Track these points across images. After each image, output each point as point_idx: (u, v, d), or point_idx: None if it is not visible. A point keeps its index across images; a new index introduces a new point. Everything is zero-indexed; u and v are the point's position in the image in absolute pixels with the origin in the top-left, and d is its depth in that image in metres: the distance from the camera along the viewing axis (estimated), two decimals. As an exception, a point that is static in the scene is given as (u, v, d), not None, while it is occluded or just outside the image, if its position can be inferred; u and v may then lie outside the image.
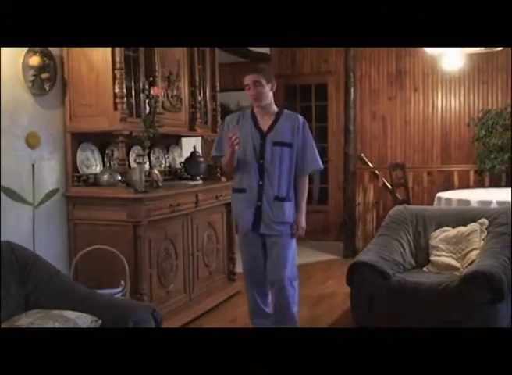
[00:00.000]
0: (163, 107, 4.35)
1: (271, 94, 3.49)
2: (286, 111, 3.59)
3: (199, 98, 4.94)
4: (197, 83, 4.89)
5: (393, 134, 7.70)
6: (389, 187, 6.81)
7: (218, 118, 5.19)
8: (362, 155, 7.57)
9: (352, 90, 6.78)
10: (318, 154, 3.55)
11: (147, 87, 4.06)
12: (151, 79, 4.14)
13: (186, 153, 5.10)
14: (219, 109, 5.25)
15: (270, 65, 7.95)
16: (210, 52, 5.15)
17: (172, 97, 4.54)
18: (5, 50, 3.47)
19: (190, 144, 5.17)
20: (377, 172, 7.22)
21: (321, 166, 3.58)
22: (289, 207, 3.50)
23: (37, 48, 3.67)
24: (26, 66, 3.62)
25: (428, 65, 7.34)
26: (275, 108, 3.56)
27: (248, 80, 3.43)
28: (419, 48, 6.96)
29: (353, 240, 6.88)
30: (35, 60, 3.65)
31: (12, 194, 3.39)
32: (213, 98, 5.21)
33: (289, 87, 8.11)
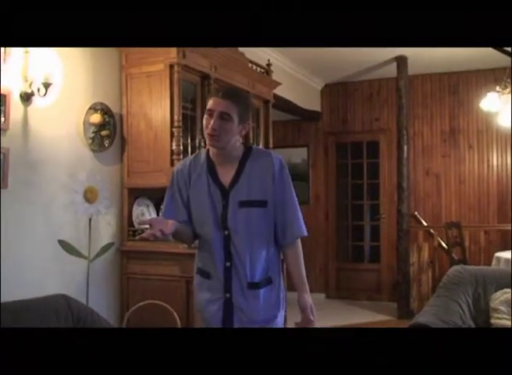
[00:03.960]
0: (217, 163, 4.41)
1: (236, 138, 2.30)
2: (255, 149, 2.42)
3: (252, 155, 4.98)
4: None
5: (448, 192, 7.55)
6: (445, 246, 6.62)
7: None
8: (416, 213, 7.43)
9: (405, 147, 6.73)
10: (299, 213, 2.37)
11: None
12: (207, 136, 4.21)
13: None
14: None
15: (320, 122, 8.04)
16: (264, 110, 5.23)
17: (226, 153, 4.60)
18: (68, 107, 3.60)
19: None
20: (432, 230, 7.04)
21: (305, 232, 2.38)
22: (270, 293, 2.37)
23: (99, 106, 3.81)
24: (87, 123, 3.75)
25: (483, 122, 7.22)
26: (239, 150, 2.36)
27: (214, 105, 2.23)
28: (474, 106, 6.90)
29: (407, 301, 6.67)
30: (96, 118, 3.78)
31: (69, 248, 3.45)
32: (266, 154, 5.24)
33: (340, 145, 8.12)
